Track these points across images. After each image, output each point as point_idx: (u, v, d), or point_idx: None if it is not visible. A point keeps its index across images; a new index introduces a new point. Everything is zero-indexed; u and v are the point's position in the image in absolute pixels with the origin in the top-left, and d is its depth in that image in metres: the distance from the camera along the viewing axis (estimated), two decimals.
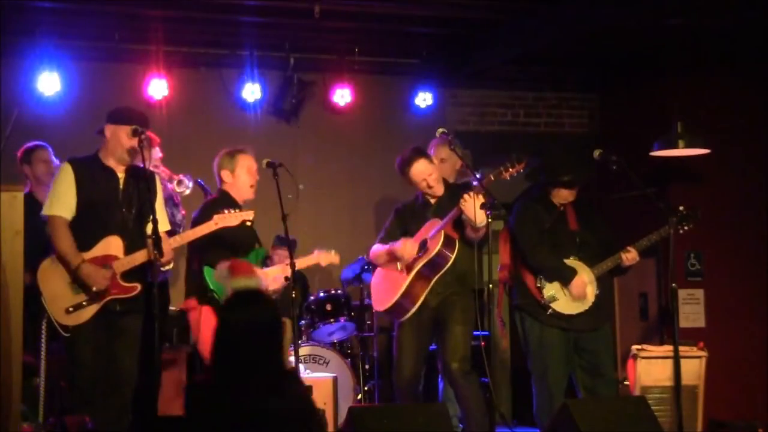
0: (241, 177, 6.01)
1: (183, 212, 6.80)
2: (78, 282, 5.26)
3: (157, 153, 6.64)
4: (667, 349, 6.29)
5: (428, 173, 6.13)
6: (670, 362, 6.01)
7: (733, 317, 8.23)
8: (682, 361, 5.91)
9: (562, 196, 6.31)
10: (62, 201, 5.34)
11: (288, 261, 5.71)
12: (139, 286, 5.36)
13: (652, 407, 5.61)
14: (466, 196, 5.82)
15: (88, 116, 7.81)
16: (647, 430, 5.43)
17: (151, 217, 5.20)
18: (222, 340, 3.55)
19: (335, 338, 7.61)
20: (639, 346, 6.44)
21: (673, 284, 5.85)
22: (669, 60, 8.25)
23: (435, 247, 5.98)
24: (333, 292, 7.63)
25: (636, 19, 7.36)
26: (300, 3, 7.12)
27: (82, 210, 5.34)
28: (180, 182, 6.83)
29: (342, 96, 8.51)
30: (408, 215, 6.27)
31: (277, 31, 7.96)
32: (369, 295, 7.67)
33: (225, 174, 6.03)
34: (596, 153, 6.21)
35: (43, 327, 5.30)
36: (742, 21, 7.28)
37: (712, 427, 7.01)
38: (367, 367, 7.71)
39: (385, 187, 8.76)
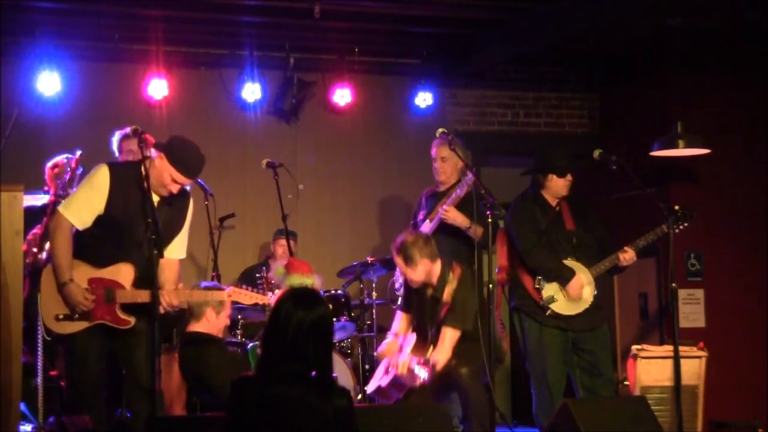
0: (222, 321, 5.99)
1: None
2: (61, 295, 5.07)
3: (152, 154, 6.60)
4: (667, 349, 6.28)
5: None
6: (670, 362, 6.00)
7: (733, 317, 8.23)
8: (682, 361, 5.90)
9: (557, 188, 6.29)
10: (82, 211, 5.12)
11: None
12: (132, 321, 5.14)
13: (652, 407, 5.60)
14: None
15: (88, 116, 7.85)
16: (647, 430, 5.42)
17: (150, 218, 4.97)
18: (275, 335, 3.54)
19: (335, 338, 7.60)
20: (639, 346, 6.44)
21: (673, 284, 5.84)
22: (669, 60, 8.24)
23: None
24: (333, 292, 7.62)
25: (636, 18, 7.37)
26: (300, 3, 7.12)
27: (106, 223, 5.12)
28: None
29: (342, 96, 8.50)
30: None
31: (277, 31, 7.95)
32: (369, 295, 7.69)
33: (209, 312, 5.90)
34: (596, 153, 6.20)
35: (39, 326, 5.21)
36: (742, 21, 7.28)
37: (712, 427, 7.01)
38: (367, 367, 7.70)
39: (385, 187, 8.77)
